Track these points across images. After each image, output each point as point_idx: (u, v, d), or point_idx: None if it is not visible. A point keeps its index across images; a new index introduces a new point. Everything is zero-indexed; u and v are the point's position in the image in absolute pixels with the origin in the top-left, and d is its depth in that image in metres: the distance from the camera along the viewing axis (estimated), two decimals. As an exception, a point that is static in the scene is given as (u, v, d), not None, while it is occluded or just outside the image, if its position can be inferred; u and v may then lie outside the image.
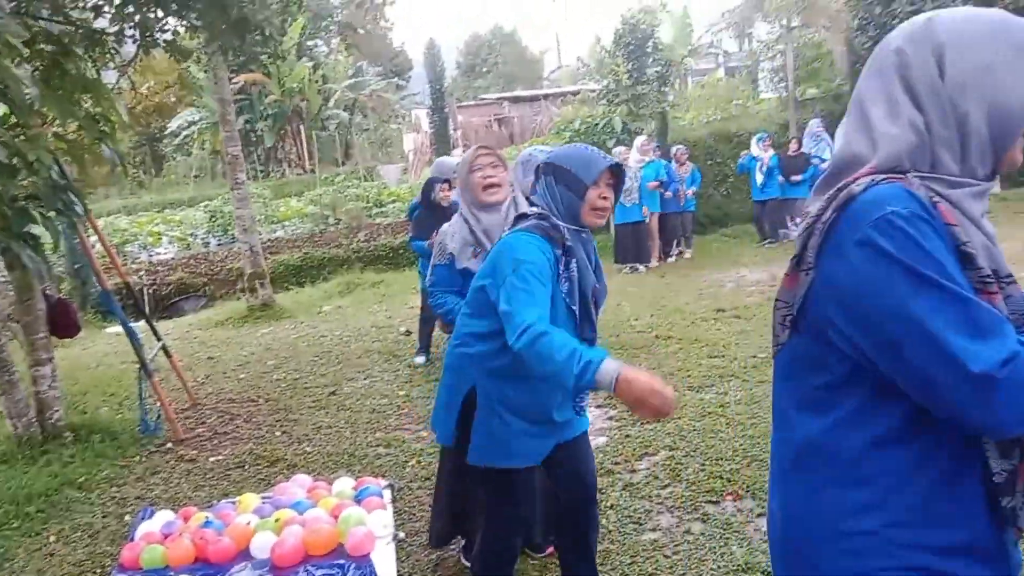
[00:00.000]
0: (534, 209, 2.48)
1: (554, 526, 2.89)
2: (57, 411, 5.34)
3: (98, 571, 3.63)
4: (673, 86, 14.43)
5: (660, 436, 4.60)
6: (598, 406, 5.33)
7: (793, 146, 12.29)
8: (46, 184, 4.19)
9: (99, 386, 7.06)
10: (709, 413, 4.88)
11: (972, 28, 1.23)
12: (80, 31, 5.28)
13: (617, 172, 2.47)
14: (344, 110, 32.54)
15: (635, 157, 11.27)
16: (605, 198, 2.42)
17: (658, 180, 11.25)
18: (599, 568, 2.94)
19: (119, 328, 6.11)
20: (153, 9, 5.34)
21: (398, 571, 3.36)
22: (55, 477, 4.73)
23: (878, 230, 1.15)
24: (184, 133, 29.65)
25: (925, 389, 1.14)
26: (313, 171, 28.57)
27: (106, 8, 5.54)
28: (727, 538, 3.34)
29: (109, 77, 7.38)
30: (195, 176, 31.57)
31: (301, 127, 30.80)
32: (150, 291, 12.71)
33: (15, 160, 3.95)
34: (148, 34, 5.45)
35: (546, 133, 19.56)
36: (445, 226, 3.42)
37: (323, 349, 8.09)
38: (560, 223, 2.41)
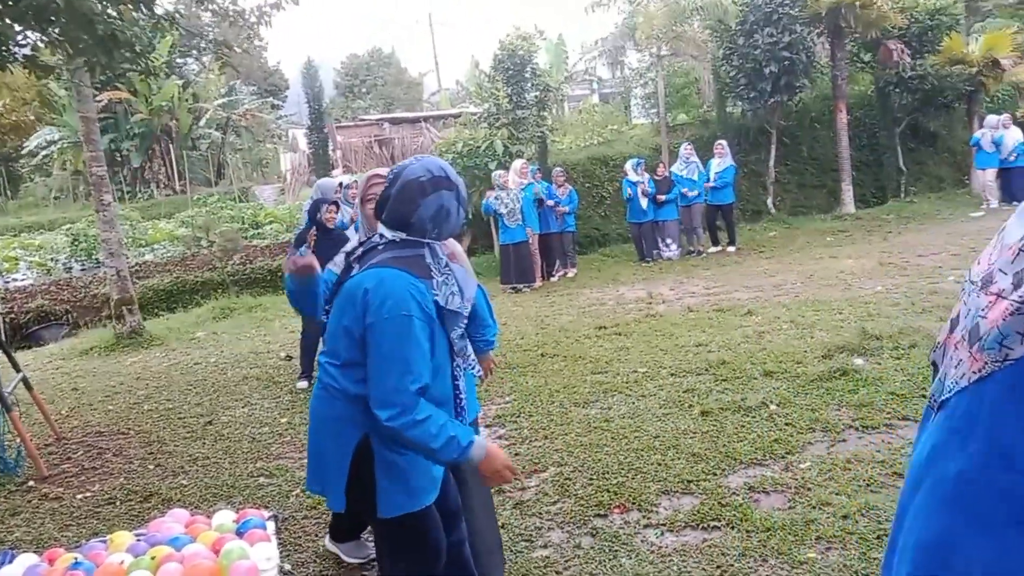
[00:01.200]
0: (398, 235, 2.35)
1: None
2: (-101, 452, 4.89)
3: (-50, 625, 3.33)
4: (551, 111, 14.75)
5: (548, 453, 4.65)
6: (487, 425, 5.35)
7: (660, 170, 12.81)
8: None
9: (-53, 424, 6.51)
10: (595, 428, 4.97)
11: None
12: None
13: None
14: (216, 129, 31.54)
15: (514, 179, 11.46)
16: None
17: (541, 198, 11.53)
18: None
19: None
20: (8, 23, 5.02)
21: (285, 604, 3.25)
22: None
23: None
24: (43, 153, 27.97)
25: None
26: (184, 192, 27.46)
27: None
28: (616, 551, 3.40)
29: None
30: (55, 198, 29.82)
31: (171, 146, 29.62)
32: (6, 319, 11.86)
33: None
34: (4, 48, 5.12)
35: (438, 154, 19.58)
36: (339, 257, 3.28)
37: (197, 377, 7.77)
38: (434, 242, 2.38)
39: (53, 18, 4.87)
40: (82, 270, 14.41)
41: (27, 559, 3.61)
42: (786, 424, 4.58)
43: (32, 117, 24.19)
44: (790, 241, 13.08)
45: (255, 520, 3.87)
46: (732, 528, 3.45)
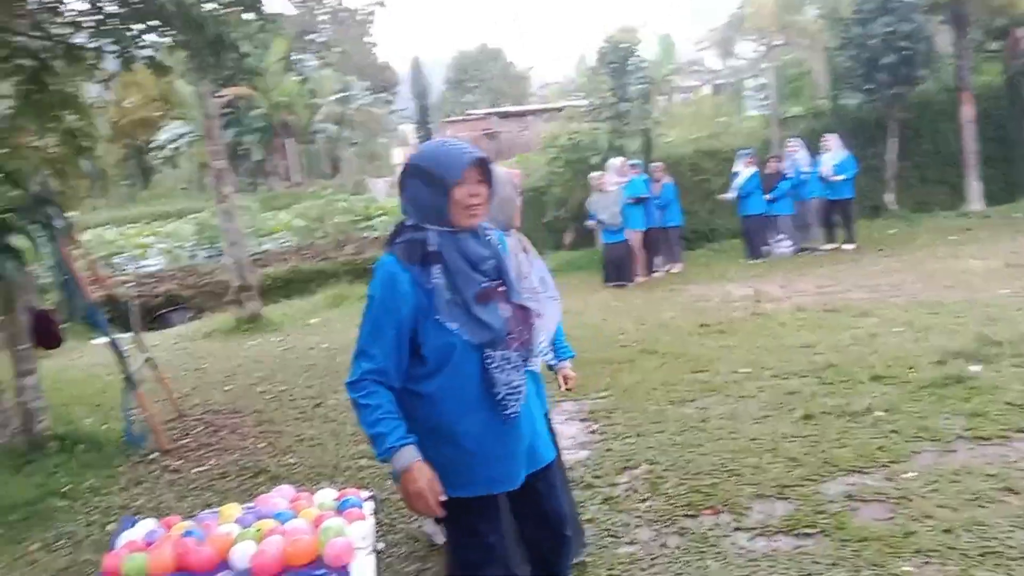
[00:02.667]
0: (411, 220, 2.37)
1: (525, 560, 2.63)
2: (42, 421, 5.35)
3: (80, 580, 3.64)
4: (656, 103, 14.57)
5: (641, 450, 4.64)
6: (582, 420, 5.39)
7: (772, 164, 12.44)
8: (27, 197, 4.22)
9: (85, 397, 7.07)
10: (690, 427, 4.92)
11: None
12: (59, 46, 5.32)
13: (484, 166, 2.33)
14: (333, 124, 32.61)
15: (613, 179, 11.39)
16: (475, 195, 2.30)
17: (639, 196, 11.39)
18: (576, 581, 2.96)
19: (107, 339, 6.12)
20: (131, 26, 5.38)
21: (377, 583, 3.38)
22: (39, 486, 4.75)
23: None
24: (172, 146, 29.65)
25: None
26: (301, 184, 28.59)
27: (87, 21, 5.57)
28: (703, 552, 3.37)
29: (94, 91, 7.43)
30: (183, 188, 31.56)
31: (288, 141, 30.84)
32: (137, 303, 12.68)
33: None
34: (126, 50, 5.48)
35: (533, 149, 19.68)
36: None
37: (310, 361, 8.11)
38: (429, 227, 2.30)
39: (172, 21, 5.19)
40: (207, 257, 15.25)
41: (147, 524, 3.90)
42: (892, 431, 4.41)
43: (158, 113, 25.66)
44: (910, 239, 12.47)
45: (354, 499, 4.04)
46: (826, 536, 3.35)
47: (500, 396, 2.32)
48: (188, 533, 3.62)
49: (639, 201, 11.40)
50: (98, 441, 5.54)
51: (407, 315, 2.23)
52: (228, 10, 5.51)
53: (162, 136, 29.72)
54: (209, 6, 5.39)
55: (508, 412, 2.33)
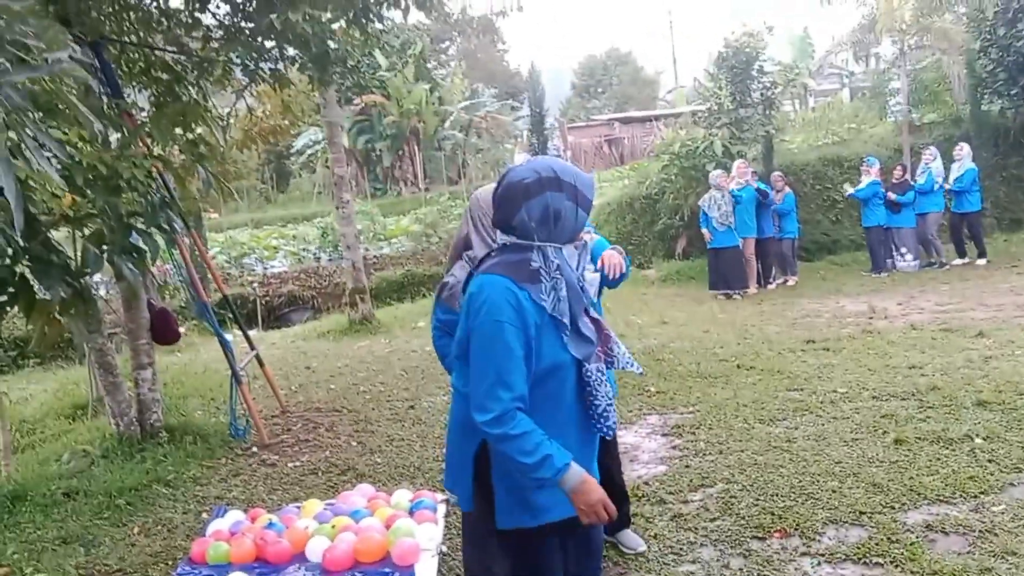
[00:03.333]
0: (509, 238, 2.28)
1: None
2: (155, 412, 5.76)
3: (170, 563, 3.92)
4: (779, 108, 14.07)
5: (720, 468, 4.55)
6: (664, 435, 5.32)
7: (898, 172, 11.82)
8: (147, 201, 4.57)
9: (200, 391, 7.54)
10: (774, 447, 4.78)
11: None
12: (193, 59, 5.75)
13: None
14: (460, 131, 33.35)
15: (737, 181, 11.15)
16: None
17: (764, 191, 11.11)
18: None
19: (231, 336, 6.55)
20: (257, 41, 5.74)
21: (438, 584, 3.47)
22: (147, 473, 5.13)
23: None
24: (308, 152, 31.13)
25: None
26: (427, 190, 29.40)
27: (218, 33, 5.98)
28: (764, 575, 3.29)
29: (230, 101, 7.95)
30: (318, 193, 33.04)
31: (417, 147, 31.76)
32: (262, 302, 13.43)
33: (120, 181, 4.33)
34: (250, 63, 5.85)
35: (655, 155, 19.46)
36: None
37: (411, 364, 8.34)
38: (546, 245, 2.23)
39: (290, 37, 5.51)
40: (329, 260, 15.97)
41: (235, 515, 4.15)
42: (989, 460, 4.14)
43: (287, 122, 26.99)
44: (1050, 256, 11.57)
45: (427, 502, 4.16)
46: (896, 567, 3.20)
47: (601, 409, 2.28)
48: (269, 525, 3.84)
49: (760, 193, 11.09)
50: (205, 433, 5.92)
51: (532, 335, 2.17)
52: (335, 24, 5.80)
53: (299, 142, 31.28)
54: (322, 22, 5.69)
55: (609, 424, 2.30)
